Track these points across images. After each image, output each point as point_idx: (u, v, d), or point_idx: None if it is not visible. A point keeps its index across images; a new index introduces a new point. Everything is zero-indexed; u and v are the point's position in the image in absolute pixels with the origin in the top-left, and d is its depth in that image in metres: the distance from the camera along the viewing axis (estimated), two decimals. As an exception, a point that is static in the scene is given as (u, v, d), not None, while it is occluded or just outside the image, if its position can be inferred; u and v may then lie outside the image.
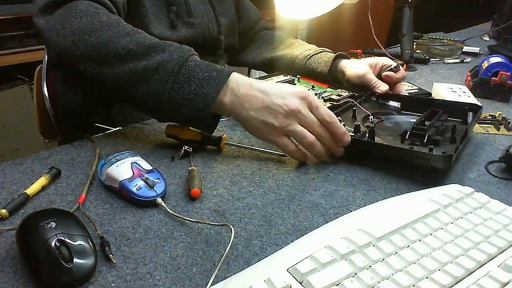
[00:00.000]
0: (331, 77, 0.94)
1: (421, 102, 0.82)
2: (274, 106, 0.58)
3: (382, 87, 0.85)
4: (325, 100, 0.83)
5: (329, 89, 0.90)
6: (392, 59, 1.11)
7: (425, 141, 0.64)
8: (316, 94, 0.86)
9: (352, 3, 1.05)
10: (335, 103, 0.81)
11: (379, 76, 0.88)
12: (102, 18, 0.63)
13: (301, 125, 0.59)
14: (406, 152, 0.59)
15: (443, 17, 2.16)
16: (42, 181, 0.54)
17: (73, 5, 0.64)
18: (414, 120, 0.74)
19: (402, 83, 0.91)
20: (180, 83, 0.58)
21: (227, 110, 0.60)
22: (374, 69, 0.90)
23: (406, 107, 0.82)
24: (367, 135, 0.65)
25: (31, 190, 0.52)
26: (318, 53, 0.97)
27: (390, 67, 0.88)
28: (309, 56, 0.96)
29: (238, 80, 0.60)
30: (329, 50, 0.99)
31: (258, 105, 0.58)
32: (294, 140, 0.61)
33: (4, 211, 0.48)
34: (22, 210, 0.50)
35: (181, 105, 0.59)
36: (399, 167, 0.61)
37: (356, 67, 0.90)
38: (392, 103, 0.84)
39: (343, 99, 0.82)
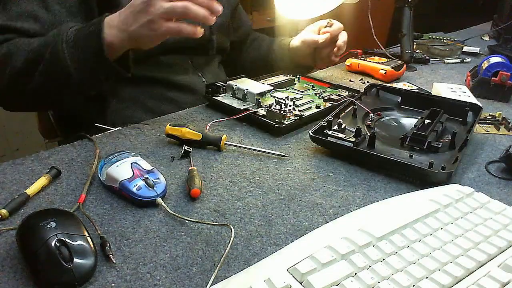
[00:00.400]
0: (295, 64, 1.02)
1: (421, 97, 0.82)
2: (137, 7, 0.64)
3: (321, 36, 0.95)
4: (325, 100, 0.83)
5: (329, 89, 0.90)
6: (392, 59, 1.11)
7: (424, 147, 0.64)
8: (316, 94, 0.86)
9: (352, 3, 1.05)
10: (334, 102, 0.81)
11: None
12: (2, 51, 0.69)
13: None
14: (406, 166, 0.59)
15: (443, 17, 2.16)
16: (42, 181, 0.54)
17: None
18: (414, 118, 0.74)
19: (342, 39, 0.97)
20: (76, 56, 0.66)
21: (119, 45, 0.66)
22: (316, 33, 0.98)
23: (406, 102, 0.82)
24: (367, 139, 0.65)
25: (31, 190, 0.52)
26: (280, 41, 1.06)
27: (325, 25, 0.97)
28: (276, 48, 1.06)
29: (110, 17, 0.67)
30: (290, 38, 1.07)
31: (129, 18, 0.65)
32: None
33: (4, 211, 0.48)
34: (22, 210, 0.50)
35: (88, 68, 0.67)
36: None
37: (299, 37, 1.00)
38: (392, 97, 0.84)
39: (343, 98, 0.82)
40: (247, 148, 0.66)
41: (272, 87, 0.84)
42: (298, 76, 0.95)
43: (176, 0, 0.63)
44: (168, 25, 0.64)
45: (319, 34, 0.97)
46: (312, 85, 0.92)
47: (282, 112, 0.73)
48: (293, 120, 0.72)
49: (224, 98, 0.80)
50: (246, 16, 1.16)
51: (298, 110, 0.77)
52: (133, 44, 0.67)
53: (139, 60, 0.85)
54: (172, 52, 0.89)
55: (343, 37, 0.97)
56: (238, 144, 0.67)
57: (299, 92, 0.87)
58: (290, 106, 0.77)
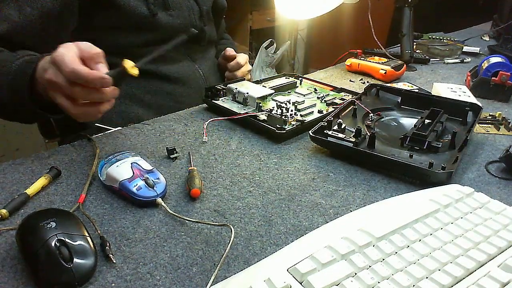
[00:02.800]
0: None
1: (421, 97, 0.82)
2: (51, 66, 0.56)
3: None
4: (327, 104, 0.82)
5: (332, 93, 0.89)
6: (392, 59, 1.11)
7: (424, 147, 0.64)
8: (318, 98, 0.85)
9: (352, 3, 1.05)
10: (337, 105, 0.80)
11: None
12: None
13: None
14: (406, 166, 0.59)
15: (443, 17, 2.16)
16: (42, 181, 0.54)
17: None
18: (414, 118, 0.74)
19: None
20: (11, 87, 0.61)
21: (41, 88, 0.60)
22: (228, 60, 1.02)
23: (406, 102, 0.82)
24: (367, 139, 0.65)
25: (31, 190, 0.52)
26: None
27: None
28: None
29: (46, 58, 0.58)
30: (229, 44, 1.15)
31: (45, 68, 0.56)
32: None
33: (4, 211, 0.48)
34: (22, 210, 0.50)
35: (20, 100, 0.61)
36: (399, 167, 0.61)
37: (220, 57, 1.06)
38: (392, 97, 0.84)
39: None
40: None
41: (273, 91, 0.83)
42: (300, 78, 0.95)
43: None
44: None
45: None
46: (315, 88, 0.91)
47: (283, 117, 0.72)
48: (294, 126, 0.70)
49: (224, 102, 0.79)
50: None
51: (300, 115, 0.75)
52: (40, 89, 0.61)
53: (128, 53, 0.86)
54: (165, 43, 0.89)
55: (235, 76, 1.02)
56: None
57: (301, 96, 0.86)
58: (292, 110, 0.76)
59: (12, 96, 0.63)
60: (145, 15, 0.83)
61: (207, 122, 0.73)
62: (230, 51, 1.01)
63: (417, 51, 1.28)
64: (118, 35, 0.84)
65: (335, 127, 0.69)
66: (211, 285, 0.39)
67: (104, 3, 0.79)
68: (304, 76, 0.99)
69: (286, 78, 0.95)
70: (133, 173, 0.53)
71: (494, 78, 0.94)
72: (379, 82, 1.00)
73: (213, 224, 0.49)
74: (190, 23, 0.92)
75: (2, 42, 0.72)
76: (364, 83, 1.03)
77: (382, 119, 0.77)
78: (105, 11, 0.80)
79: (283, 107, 0.76)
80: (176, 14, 0.89)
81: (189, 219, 0.49)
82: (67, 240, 0.41)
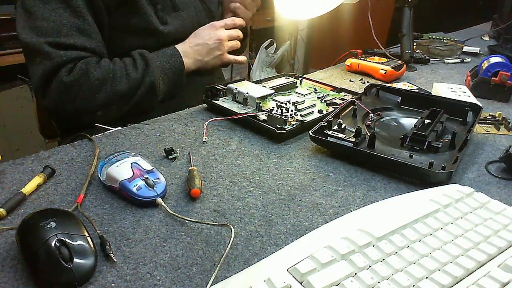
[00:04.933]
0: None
1: (421, 97, 0.82)
2: (211, 45, 0.93)
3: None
4: (327, 105, 0.82)
5: (332, 93, 0.89)
6: (392, 59, 1.11)
7: (424, 147, 0.64)
8: (318, 98, 0.85)
9: (352, 3, 1.05)
10: (337, 105, 0.80)
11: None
12: (95, 75, 0.79)
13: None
14: (406, 166, 0.59)
15: (443, 17, 2.16)
16: (37, 180, 0.54)
17: (63, 83, 0.78)
18: (414, 118, 0.74)
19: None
20: (166, 84, 0.88)
21: (191, 69, 0.92)
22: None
23: (406, 102, 0.82)
24: (367, 139, 0.65)
25: (26, 189, 0.52)
26: None
27: None
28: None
29: (183, 49, 0.91)
30: None
31: (203, 51, 0.92)
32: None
33: (1, 210, 0.48)
34: (22, 210, 0.50)
35: (171, 91, 0.90)
36: (399, 167, 0.61)
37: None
38: (392, 97, 0.84)
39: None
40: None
41: (273, 91, 0.83)
42: (300, 78, 0.95)
43: (231, 36, 0.95)
44: (230, 57, 0.96)
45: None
46: (315, 88, 0.91)
47: (283, 117, 0.71)
48: (294, 126, 0.70)
49: (224, 102, 0.79)
50: None
51: (300, 114, 0.75)
52: (201, 68, 0.94)
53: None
54: (173, 43, 0.92)
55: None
56: None
57: (301, 95, 0.86)
58: (292, 110, 0.76)
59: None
60: (154, 23, 0.87)
61: (207, 122, 0.73)
62: None
63: (417, 51, 1.28)
64: (130, 37, 0.87)
65: (335, 127, 0.69)
66: (211, 285, 0.39)
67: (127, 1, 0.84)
68: (304, 76, 0.99)
69: (286, 78, 0.95)
70: (133, 173, 0.53)
71: (494, 78, 0.94)
72: (379, 82, 1.00)
73: (213, 224, 0.49)
74: (197, 22, 0.96)
75: (92, 53, 0.82)
76: (364, 83, 1.03)
77: (382, 119, 0.77)
78: (124, 10, 0.84)
79: (283, 107, 0.76)
80: (185, 14, 0.94)
81: (189, 219, 0.49)
82: (67, 240, 0.41)
